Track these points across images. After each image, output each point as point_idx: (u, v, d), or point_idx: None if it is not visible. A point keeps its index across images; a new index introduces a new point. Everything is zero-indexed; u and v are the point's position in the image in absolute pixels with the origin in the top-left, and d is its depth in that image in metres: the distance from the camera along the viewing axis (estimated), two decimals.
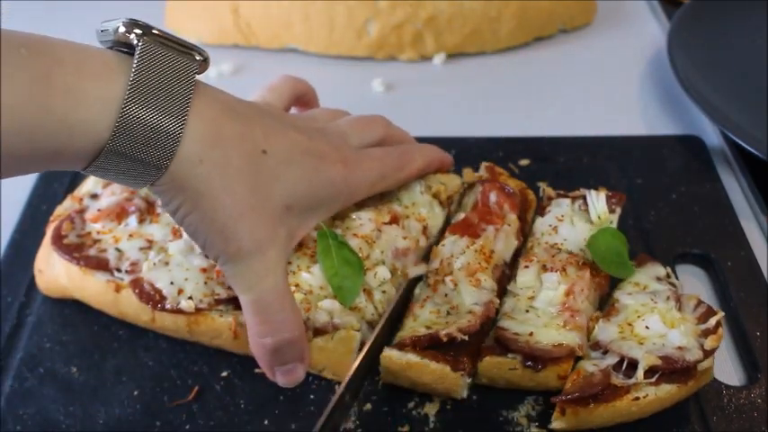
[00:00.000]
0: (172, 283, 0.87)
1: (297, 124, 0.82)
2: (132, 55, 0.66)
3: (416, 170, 0.93)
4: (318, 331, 0.84)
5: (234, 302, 0.86)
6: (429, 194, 0.97)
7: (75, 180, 1.09)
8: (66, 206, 0.97)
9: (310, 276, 0.86)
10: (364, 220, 0.91)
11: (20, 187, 1.09)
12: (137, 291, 0.88)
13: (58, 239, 0.92)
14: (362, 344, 0.85)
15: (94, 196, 0.97)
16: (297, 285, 0.85)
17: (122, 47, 0.68)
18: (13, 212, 1.06)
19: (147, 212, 0.94)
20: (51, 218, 0.97)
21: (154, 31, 0.67)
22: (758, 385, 0.86)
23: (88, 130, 0.64)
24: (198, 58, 0.70)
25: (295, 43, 1.38)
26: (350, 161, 0.82)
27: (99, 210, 0.95)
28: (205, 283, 0.87)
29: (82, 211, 0.95)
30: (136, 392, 0.87)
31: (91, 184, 0.99)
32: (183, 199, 0.70)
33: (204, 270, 0.88)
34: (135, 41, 0.66)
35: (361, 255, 0.88)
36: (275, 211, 0.75)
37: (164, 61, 0.67)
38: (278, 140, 0.76)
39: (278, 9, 1.36)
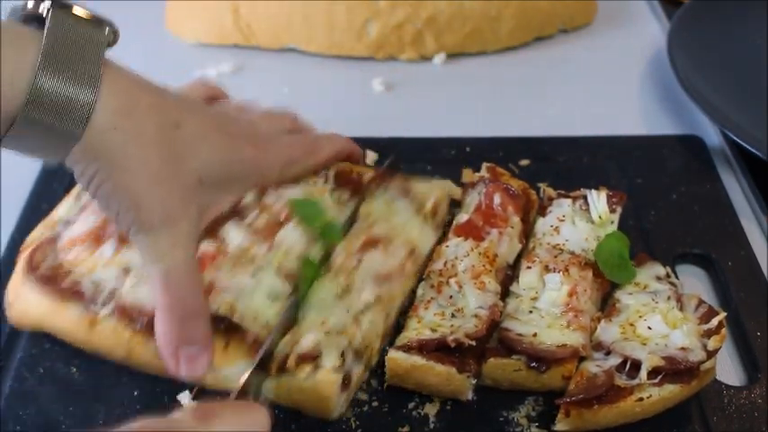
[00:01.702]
0: None
1: (209, 107, 0.85)
2: (43, 28, 0.68)
3: (326, 157, 0.95)
4: (303, 358, 0.81)
5: (224, 321, 0.84)
6: (420, 216, 0.96)
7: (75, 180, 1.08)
8: (39, 232, 0.94)
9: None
10: (338, 251, 0.91)
11: (20, 187, 1.09)
12: (121, 318, 0.84)
13: (30, 270, 0.88)
14: (347, 377, 0.82)
15: (68, 223, 0.93)
16: None
17: (34, 20, 0.69)
18: (13, 212, 1.06)
19: (126, 240, 0.88)
20: (23, 246, 0.93)
21: (63, 3, 0.69)
22: (759, 385, 0.86)
23: (2, 100, 0.66)
24: (108, 30, 0.72)
25: (295, 43, 1.38)
26: (260, 144, 0.85)
27: (71, 238, 0.91)
28: None
29: (54, 240, 0.91)
30: (136, 392, 0.86)
31: (64, 209, 0.95)
32: (96, 168, 0.72)
33: None
34: (45, 13, 0.68)
35: (339, 285, 0.87)
36: (188, 183, 0.76)
37: (74, 31, 0.69)
38: (192, 116, 0.78)
39: (278, 9, 1.35)
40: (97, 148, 0.71)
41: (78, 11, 0.70)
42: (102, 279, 0.87)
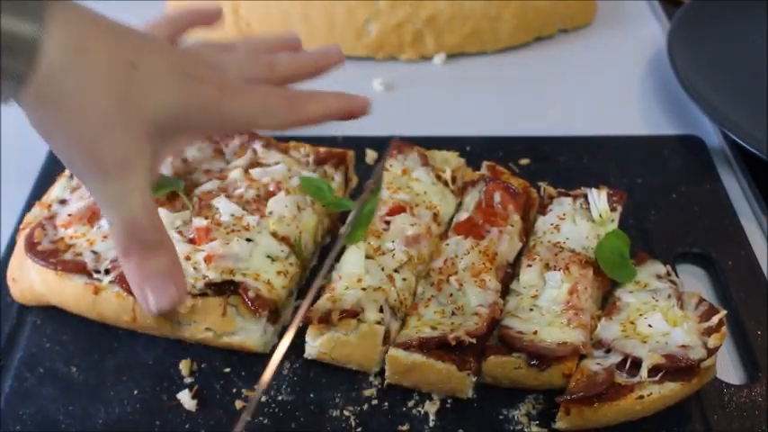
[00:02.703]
0: None
1: (174, 47, 0.79)
2: None
3: (313, 115, 0.82)
4: (347, 313, 0.84)
5: (225, 286, 0.87)
6: (440, 183, 0.99)
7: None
8: (34, 213, 0.96)
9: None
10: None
11: (20, 187, 1.09)
12: (124, 286, 0.87)
13: (31, 246, 0.91)
14: (387, 331, 0.85)
15: (63, 202, 0.96)
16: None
17: None
18: (13, 212, 1.06)
19: None
20: (21, 226, 0.95)
21: None
22: (759, 384, 0.86)
23: None
24: None
25: None
26: (227, 88, 0.78)
27: (69, 215, 0.94)
28: (194, 268, 0.87)
29: (52, 218, 0.94)
30: (136, 392, 0.87)
31: (59, 189, 0.98)
32: (47, 111, 0.68)
33: (188, 258, 0.87)
34: None
35: (371, 247, 0.91)
36: (144, 127, 0.72)
37: None
38: (150, 56, 0.73)
39: (278, 9, 1.36)
40: (47, 90, 0.67)
41: None
42: (102, 250, 0.90)
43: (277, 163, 1.00)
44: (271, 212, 0.93)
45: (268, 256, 0.90)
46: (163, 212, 0.91)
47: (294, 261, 0.92)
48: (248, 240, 0.90)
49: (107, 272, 0.88)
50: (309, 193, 0.96)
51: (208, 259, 0.87)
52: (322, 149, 1.04)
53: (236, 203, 0.93)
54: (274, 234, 0.92)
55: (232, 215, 0.92)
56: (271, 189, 0.96)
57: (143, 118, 0.72)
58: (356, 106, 0.86)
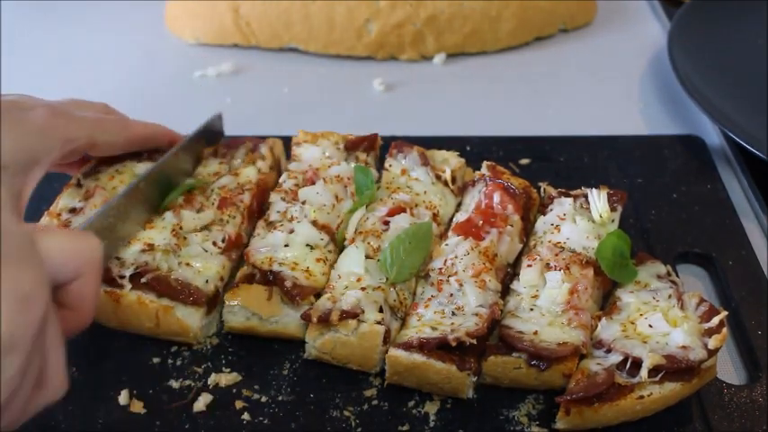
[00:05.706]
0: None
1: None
2: None
3: (141, 134, 0.97)
4: (347, 314, 0.84)
5: (268, 275, 0.89)
6: (440, 183, 1.00)
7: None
8: (44, 223, 0.95)
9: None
10: (369, 216, 0.96)
11: None
12: (150, 291, 0.87)
13: None
14: (387, 331, 0.85)
15: (73, 210, 0.95)
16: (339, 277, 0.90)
17: None
18: None
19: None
20: None
21: None
22: (759, 384, 0.86)
23: None
24: None
25: (295, 43, 1.38)
26: (59, 110, 0.84)
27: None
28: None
29: (66, 226, 0.93)
30: (136, 392, 0.86)
31: (66, 199, 0.97)
32: None
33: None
34: None
35: (370, 247, 0.92)
36: None
37: None
38: None
39: (278, 9, 1.36)
40: None
41: None
42: (125, 256, 0.90)
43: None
44: (304, 202, 0.95)
45: (307, 245, 0.92)
46: (187, 214, 0.93)
47: (333, 248, 0.94)
48: (291, 231, 0.92)
49: (130, 279, 0.88)
50: (359, 183, 0.98)
51: (247, 256, 0.91)
52: (350, 136, 1.05)
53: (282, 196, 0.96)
54: (314, 222, 0.93)
55: (278, 212, 0.95)
56: (309, 176, 0.98)
57: None
58: (174, 136, 1.01)
